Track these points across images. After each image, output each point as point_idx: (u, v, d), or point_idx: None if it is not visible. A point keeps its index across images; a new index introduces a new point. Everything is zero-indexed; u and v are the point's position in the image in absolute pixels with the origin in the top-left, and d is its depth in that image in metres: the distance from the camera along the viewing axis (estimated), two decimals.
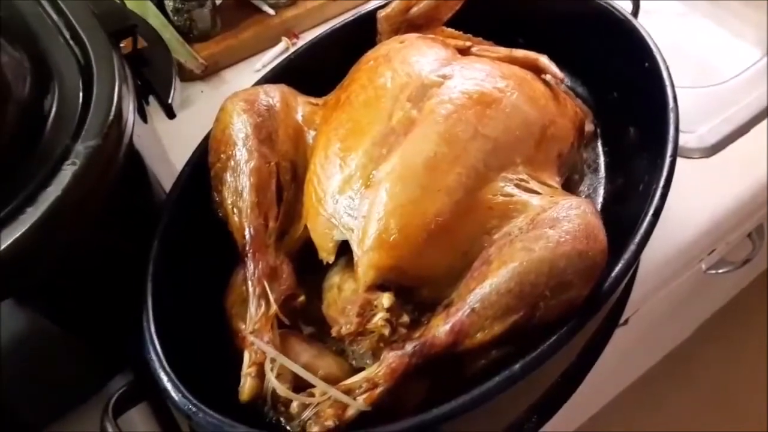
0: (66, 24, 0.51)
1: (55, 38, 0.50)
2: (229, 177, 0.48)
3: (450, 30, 0.61)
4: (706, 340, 1.20)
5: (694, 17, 0.94)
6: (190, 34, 0.77)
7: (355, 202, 0.45)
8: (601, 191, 0.59)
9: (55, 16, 0.51)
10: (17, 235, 0.37)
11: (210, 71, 0.78)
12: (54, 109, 0.45)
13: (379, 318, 0.42)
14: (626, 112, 0.60)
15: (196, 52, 0.76)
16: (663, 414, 1.21)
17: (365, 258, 0.43)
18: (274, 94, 0.51)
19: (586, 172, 0.60)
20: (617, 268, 0.43)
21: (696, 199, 0.66)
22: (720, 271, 0.89)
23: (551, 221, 0.42)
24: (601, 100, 0.63)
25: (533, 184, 0.46)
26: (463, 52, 0.55)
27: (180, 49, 0.74)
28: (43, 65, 0.47)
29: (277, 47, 0.81)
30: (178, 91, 0.54)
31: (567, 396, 0.51)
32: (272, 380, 0.40)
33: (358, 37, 0.61)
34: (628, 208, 0.52)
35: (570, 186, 0.57)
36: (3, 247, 0.37)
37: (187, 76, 0.77)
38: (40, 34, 0.50)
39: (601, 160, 0.61)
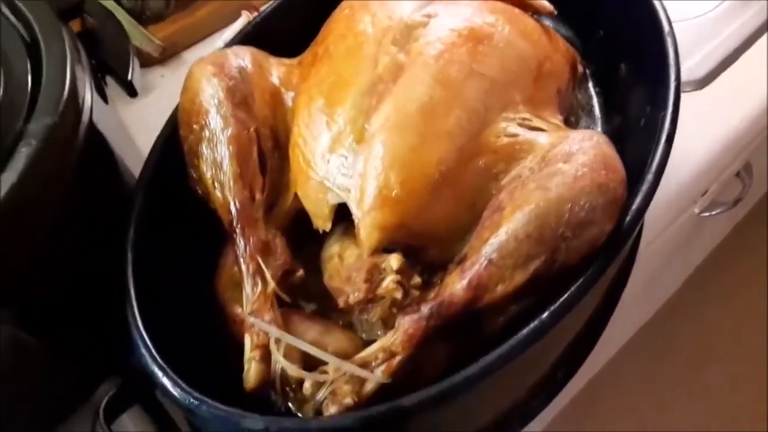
0: (7, 2, 0.46)
1: None
2: (205, 149, 0.44)
3: None
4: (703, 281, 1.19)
5: None
6: (142, 16, 0.72)
7: (349, 160, 0.41)
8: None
9: None
10: None
11: (168, 54, 0.73)
12: (1, 93, 0.40)
13: (389, 281, 0.38)
14: (615, 49, 0.57)
15: (151, 35, 0.71)
16: (669, 361, 1.20)
17: (367, 219, 0.40)
18: (245, 56, 0.47)
19: (581, 115, 0.57)
20: (637, 201, 0.40)
21: (692, 134, 0.64)
22: (713, 213, 0.87)
23: (564, 155, 0.38)
24: (587, 40, 0.61)
25: (537, 122, 0.43)
26: None
27: (133, 32, 0.69)
28: None
29: (238, 22, 0.75)
30: (137, 67, 0.49)
31: (591, 346, 0.48)
32: (281, 360, 0.37)
33: None
34: (632, 146, 0.49)
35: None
36: None
37: (145, 61, 0.71)
38: None
39: (595, 101, 0.58)
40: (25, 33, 0.44)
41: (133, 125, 0.61)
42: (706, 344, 1.23)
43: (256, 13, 0.76)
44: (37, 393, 0.46)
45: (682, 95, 0.66)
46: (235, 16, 0.76)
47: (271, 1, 0.59)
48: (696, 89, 0.66)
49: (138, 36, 0.69)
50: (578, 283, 0.37)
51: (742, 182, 0.88)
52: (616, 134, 0.55)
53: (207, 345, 0.43)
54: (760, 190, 1.13)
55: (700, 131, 0.65)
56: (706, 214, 0.86)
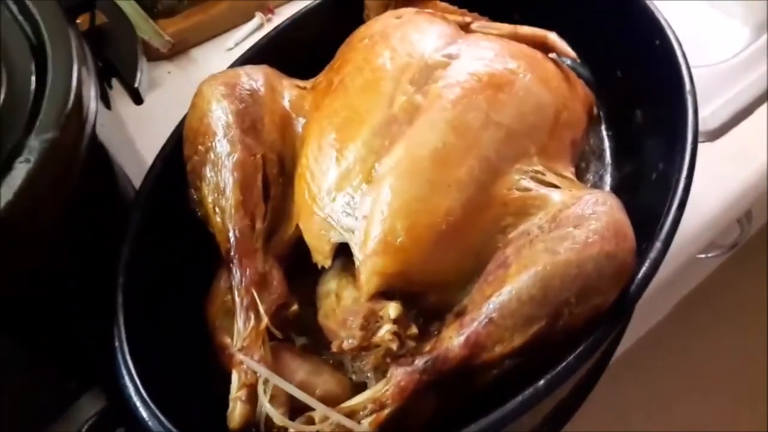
0: None
1: None
2: (208, 172, 0.42)
3: (444, 4, 0.56)
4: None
5: None
6: (154, 9, 0.71)
7: (355, 200, 0.40)
8: (607, 179, 0.55)
9: None
10: None
11: (177, 50, 0.71)
12: (2, 97, 0.38)
13: (385, 331, 0.37)
14: (632, 94, 0.56)
15: (161, 29, 0.69)
16: (645, 392, 1.21)
17: (369, 263, 0.39)
18: (258, 77, 0.46)
19: (591, 159, 0.56)
20: (644, 269, 0.39)
21: (702, 186, 0.63)
22: (710, 255, 0.87)
23: (576, 219, 0.38)
24: (603, 79, 0.59)
25: (550, 177, 0.42)
26: (464, 28, 0.50)
27: (143, 26, 0.67)
28: None
29: (251, 23, 0.74)
30: (145, 73, 0.48)
31: (581, 400, 0.48)
32: (266, 406, 0.36)
33: (344, 13, 0.56)
34: (640, 198, 0.48)
35: (577, 174, 0.53)
36: None
37: (153, 56, 0.70)
38: None
39: (606, 145, 0.57)
40: (31, 33, 0.43)
41: (135, 125, 0.59)
42: (681, 377, 1.23)
43: (270, 15, 0.75)
44: (17, 395, 0.45)
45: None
46: (249, 17, 0.75)
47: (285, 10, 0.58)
48: (707, 141, 0.65)
49: (147, 30, 0.68)
50: (577, 352, 0.36)
51: (741, 228, 0.88)
52: (627, 182, 0.54)
53: (194, 371, 0.42)
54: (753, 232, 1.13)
55: (708, 183, 0.64)
56: (703, 255, 0.85)
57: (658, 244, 0.40)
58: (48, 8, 0.44)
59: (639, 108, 0.55)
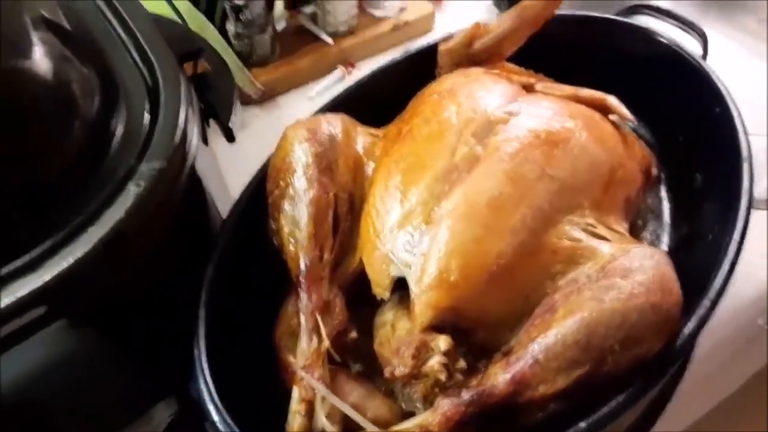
0: (134, 43, 0.51)
1: (123, 57, 0.50)
2: (287, 206, 0.48)
3: (511, 65, 0.60)
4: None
5: (754, 62, 0.91)
6: (249, 59, 0.78)
7: (415, 239, 0.43)
8: (665, 238, 0.56)
9: (123, 35, 0.52)
10: (78, 255, 0.37)
11: (266, 96, 0.79)
12: (120, 129, 0.45)
13: (435, 362, 0.40)
14: (692, 158, 0.57)
15: (254, 77, 0.77)
16: None
17: (423, 297, 0.42)
18: (336, 124, 0.51)
19: (649, 218, 0.58)
20: (691, 325, 0.41)
21: (762, 252, 0.63)
22: None
23: (623, 271, 0.40)
24: (665, 143, 0.61)
25: (601, 230, 0.44)
26: (528, 88, 0.54)
27: (239, 74, 0.75)
28: (111, 83, 0.47)
29: (333, 75, 0.81)
30: (239, 117, 0.54)
31: None
32: (323, 420, 0.39)
33: (418, 70, 0.61)
34: (695, 259, 0.49)
35: (633, 231, 0.54)
36: (64, 267, 0.37)
37: (244, 100, 0.78)
38: (108, 52, 0.50)
39: (665, 206, 0.59)
40: (147, 75, 0.49)
41: (224, 160, 0.65)
42: None
43: (351, 69, 0.81)
44: (93, 401, 0.50)
45: (756, 212, 0.66)
46: (331, 69, 0.81)
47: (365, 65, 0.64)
48: None
49: (243, 78, 0.75)
50: (621, 399, 0.38)
51: None
52: (683, 242, 0.55)
53: (261, 385, 0.46)
54: None
55: None
56: None
57: (706, 302, 0.41)
58: (163, 56, 0.50)
59: (699, 172, 0.56)
